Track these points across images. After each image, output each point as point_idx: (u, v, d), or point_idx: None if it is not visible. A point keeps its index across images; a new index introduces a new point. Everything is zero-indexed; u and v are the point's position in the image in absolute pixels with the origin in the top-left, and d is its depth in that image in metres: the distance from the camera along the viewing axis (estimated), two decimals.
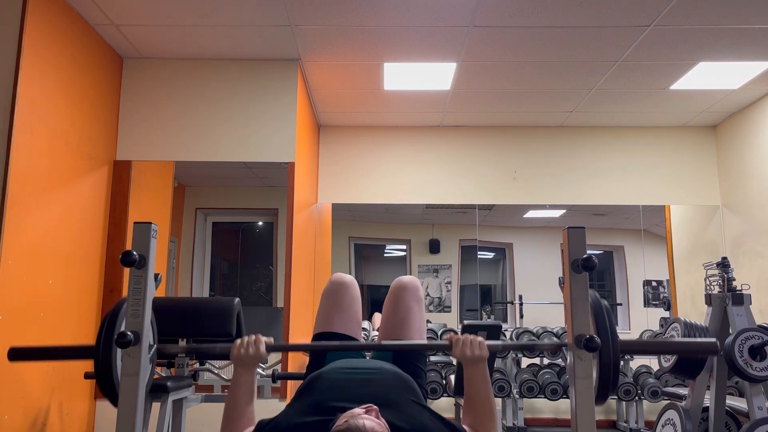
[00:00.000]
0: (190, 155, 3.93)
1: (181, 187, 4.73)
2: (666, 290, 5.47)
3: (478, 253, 5.72)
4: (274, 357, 4.08)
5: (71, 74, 3.31)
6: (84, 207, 3.48)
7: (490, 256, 6.09)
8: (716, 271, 3.10)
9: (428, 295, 5.83)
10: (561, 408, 5.30)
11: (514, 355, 4.88)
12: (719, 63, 4.05)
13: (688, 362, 2.95)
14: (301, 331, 4.13)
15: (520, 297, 5.78)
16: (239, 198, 5.08)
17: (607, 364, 1.67)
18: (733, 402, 3.18)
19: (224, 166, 4.14)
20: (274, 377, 2.86)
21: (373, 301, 5.87)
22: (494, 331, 3.47)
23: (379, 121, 5.33)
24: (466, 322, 3.57)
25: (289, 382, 3.77)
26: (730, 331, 2.95)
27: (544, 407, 5.35)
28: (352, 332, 2.03)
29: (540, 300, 5.73)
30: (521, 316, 5.70)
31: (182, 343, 3.09)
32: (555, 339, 4.82)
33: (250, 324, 3.22)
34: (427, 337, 4.74)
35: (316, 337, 2.02)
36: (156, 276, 1.83)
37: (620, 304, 5.83)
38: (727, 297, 2.99)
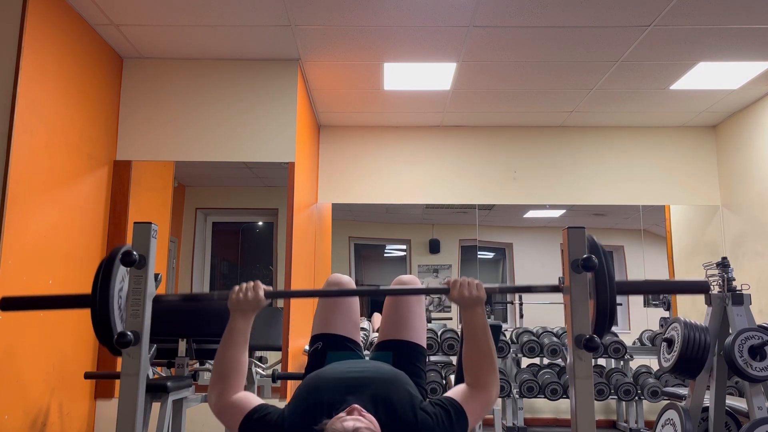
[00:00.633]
0: (190, 155, 3.93)
1: (181, 187, 4.73)
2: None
3: (478, 253, 5.72)
4: (274, 357, 4.08)
5: (71, 74, 3.31)
6: (84, 207, 3.48)
7: (490, 256, 6.09)
8: (716, 271, 3.10)
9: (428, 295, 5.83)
10: (561, 408, 5.30)
11: (514, 355, 4.88)
12: (719, 63, 4.05)
13: (688, 362, 2.95)
14: (301, 331, 4.13)
15: (520, 297, 5.77)
16: (239, 198, 5.08)
17: (603, 303, 1.66)
18: (733, 402, 3.18)
19: (224, 166, 4.14)
20: (274, 377, 2.87)
21: (373, 301, 5.86)
22: (494, 331, 3.47)
23: (379, 121, 5.33)
24: None
25: (289, 382, 3.77)
26: (730, 331, 2.95)
27: (544, 407, 5.35)
28: (350, 333, 2.03)
29: (540, 300, 5.73)
30: (521, 316, 5.70)
31: (182, 343, 3.10)
32: (555, 339, 4.82)
33: None
34: (428, 337, 4.75)
35: (314, 338, 2.02)
36: (156, 276, 1.83)
37: (620, 304, 5.83)
38: (727, 297, 2.99)
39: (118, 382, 1.79)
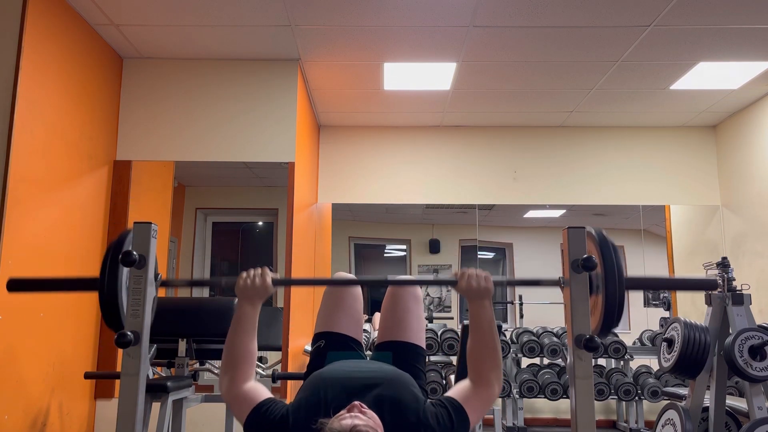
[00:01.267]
0: (190, 155, 3.93)
1: (181, 187, 4.73)
2: (666, 290, 5.47)
3: (478, 253, 5.72)
4: (274, 357, 4.08)
5: (71, 74, 3.31)
6: (84, 207, 3.48)
7: (490, 256, 6.09)
8: (716, 271, 3.10)
9: (428, 295, 5.83)
10: (561, 408, 5.30)
11: (514, 355, 4.88)
12: (719, 63, 4.05)
13: (688, 362, 2.95)
14: (301, 331, 4.13)
15: (520, 297, 5.78)
16: (239, 198, 5.08)
17: (612, 297, 1.66)
18: (733, 402, 3.18)
19: (224, 166, 4.14)
20: (274, 377, 2.87)
21: (374, 301, 5.86)
22: None
23: (379, 121, 5.33)
24: (466, 321, 3.57)
25: (289, 382, 3.77)
26: (730, 331, 2.95)
27: (544, 407, 5.35)
28: (353, 332, 2.03)
29: (540, 300, 5.73)
30: (521, 316, 5.70)
31: (182, 343, 3.10)
32: (555, 339, 4.82)
33: None
34: (428, 338, 4.75)
35: (317, 336, 2.02)
36: (156, 276, 1.83)
37: None
38: (727, 297, 2.99)
39: (118, 382, 1.80)
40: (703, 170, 5.37)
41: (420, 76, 4.31)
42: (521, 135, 5.43)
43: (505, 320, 5.86)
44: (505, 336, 4.84)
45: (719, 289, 3.07)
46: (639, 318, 5.55)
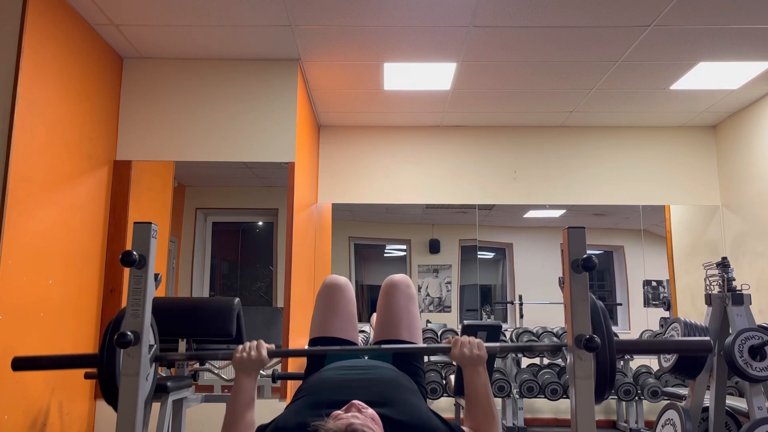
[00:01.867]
0: (190, 155, 3.93)
1: (181, 187, 4.73)
2: (666, 290, 5.47)
3: (478, 253, 5.72)
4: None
5: (71, 74, 3.31)
6: (84, 207, 3.48)
7: (490, 256, 6.09)
8: (716, 271, 3.10)
9: (428, 295, 5.83)
10: (561, 408, 5.30)
11: (514, 356, 4.87)
12: (719, 63, 4.05)
13: (688, 362, 2.95)
14: (301, 331, 4.13)
15: (520, 297, 5.78)
16: (239, 198, 5.08)
17: (603, 363, 1.69)
18: (733, 402, 3.18)
19: (224, 166, 4.14)
20: (274, 377, 2.87)
21: (373, 301, 5.85)
22: (494, 331, 3.47)
23: (379, 121, 5.33)
24: (465, 322, 3.57)
25: (289, 382, 3.77)
26: (730, 331, 2.95)
27: (544, 407, 5.35)
28: (349, 335, 2.02)
29: (540, 300, 5.73)
30: (521, 316, 5.70)
31: (182, 343, 3.09)
32: (555, 339, 4.81)
33: (251, 324, 3.22)
34: (428, 338, 4.75)
35: (313, 341, 2.01)
36: (156, 276, 1.83)
37: (620, 304, 5.84)
38: (727, 297, 2.99)
39: None
40: (703, 170, 5.37)
41: (420, 76, 4.31)
42: (521, 135, 5.43)
43: (505, 320, 5.85)
44: (505, 336, 4.84)
45: (719, 289, 3.07)
46: (639, 318, 5.55)
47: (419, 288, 5.82)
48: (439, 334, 4.72)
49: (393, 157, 5.37)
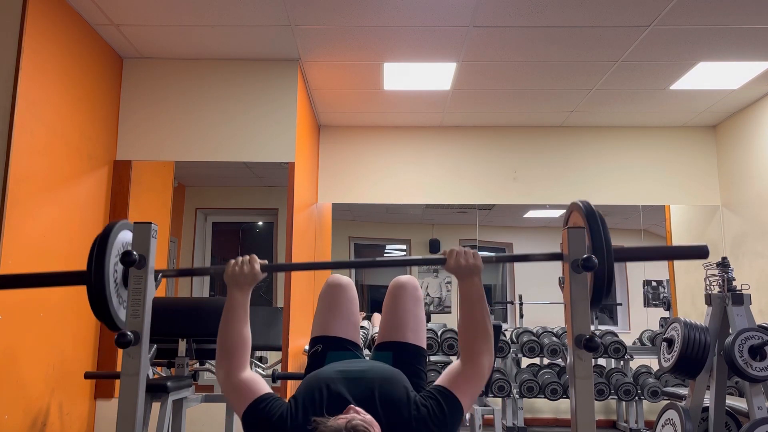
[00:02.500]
0: (190, 155, 3.93)
1: (181, 187, 4.73)
2: (666, 290, 5.47)
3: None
4: (274, 357, 4.08)
5: (71, 74, 3.31)
6: (84, 207, 3.48)
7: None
8: (716, 271, 3.10)
9: (428, 295, 5.83)
10: (561, 408, 5.30)
11: (514, 356, 4.87)
12: (719, 63, 4.05)
13: (688, 362, 2.95)
14: (301, 331, 4.13)
15: (520, 297, 5.78)
16: (239, 198, 5.08)
17: (601, 269, 1.68)
18: (733, 402, 3.18)
19: (224, 166, 4.14)
20: (274, 377, 2.87)
21: (373, 301, 5.86)
22: (494, 332, 3.47)
23: (379, 121, 5.33)
24: None
25: (289, 382, 3.77)
26: (730, 331, 2.95)
27: (544, 407, 5.35)
28: (350, 335, 2.03)
29: (540, 300, 5.73)
30: (521, 316, 5.70)
31: (182, 343, 3.10)
32: (555, 339, 4.82)
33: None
34: (428, 338, 4.75)
35: (314, 340, 2.02)
36: (156, 276, 1.83)
37: (620, 304, 5.84)
38: (727, 297, 2.99)
39: (118, 382, 1.80)
40: (703, 170, 5.37)
41: (420, 76, 4.31)
42: (521, 135, 5.43)
43: (505, 320, 5.86)
44: (505, 336, 4.84)
45: (719, 289, 3.07)
46: (639, 318, 5.55)
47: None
48: (439, 334, 4.72)
49: (393, 157, 5.37)
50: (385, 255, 6.32)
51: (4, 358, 2.73)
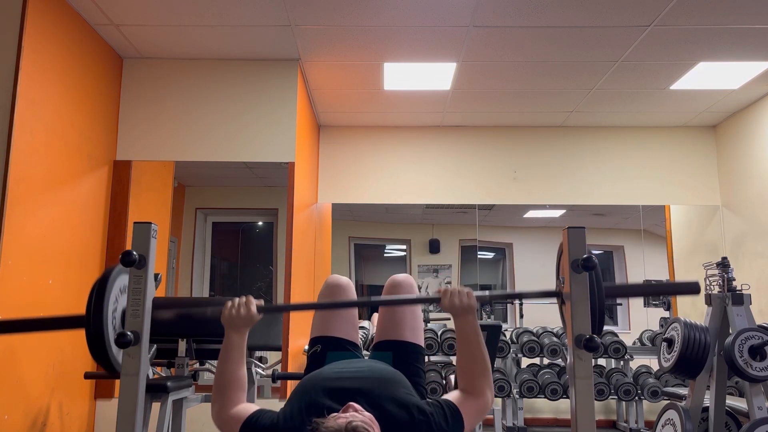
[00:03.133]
0: (190, 155, 3.93)
1: (181, 187, 4.73)
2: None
3: (478, 253, 5.72)
4: (274, 357, 4.08)
5: (71, 74, 3.31)
6: (84, 207, 3.48)
7: (490, 256, 6.09)
8: (716, 271, 3.10)
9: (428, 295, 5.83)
10: (561, 408, 5.30)
11: (514, 355, 4.87)
12: (719, 63, 4.05)
13: (688, 362, 2.95)
14: (301, 332, 4.13)
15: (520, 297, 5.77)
16: (239, 198, 5.08)
17: (592, 307, 1.70)
18: (733, 402, 3.18)
19: (224, 166, 4.14)
20: (274, 377, 2.87)
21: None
22: (494, 332, 3.46)
23: (379, 121, 5.33)
24: None
25: (289, 382, 3.77)
26: (730, 331, 2.95)
27: (544, 407, 5.35)
28: (350, 335, 2.03)
29: (540, 300, 5.72)
30: (521, 316, 5.70)
31: (182, 343, 3.09)
32: (555, 339, 4.82)
33: None
34: (428, 338, 4.75)
35: (314, 341, 2.02)
36: (156, 276, 1.83)
37: (620, 304, 5.83)
38: (727, 297, 2.99)
39: (118, 382, 1.80)
40: (703, 170, 5.37)
41: (420, 76, 4.31)
42: (521, 135, 5.43)
43: (505, 320, 5.85)
44: (505, 336, 4.84)
45: (719, 289, 3.07)
46: (639, 318, 5.55)
47: (419, 288, 5.81)
48: (439, 334, 4.72)
49: (393, 157, 5.37)
50: (385, 255, 6.32)
51: (4, 358, 2.73)
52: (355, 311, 2.11)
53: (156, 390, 2.73)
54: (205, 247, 4.91)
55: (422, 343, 2.03)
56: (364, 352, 2.22)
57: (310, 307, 2.01)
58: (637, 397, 4.70)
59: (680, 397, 3.49)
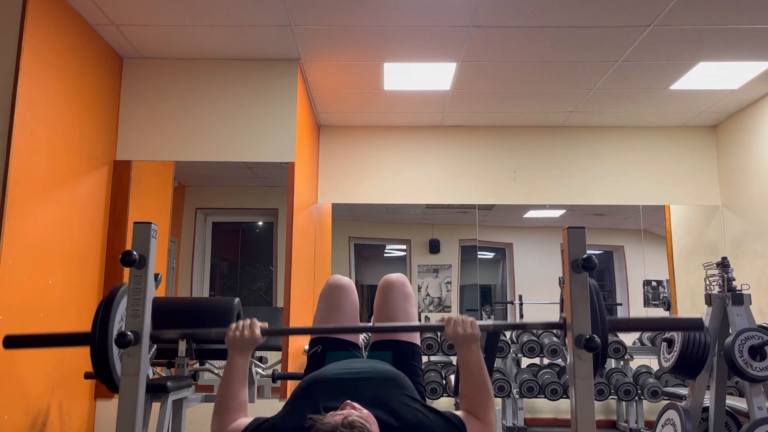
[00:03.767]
0: (190, 155, 3.93)
1: (181, 187, 4.73)
2: (666, 290, 5.47)
3: (478, 253, 5.72)
4: (274, 357, 4.08)
5: (71, 74, 3.31)
6: (84, 207, 3.48)
7: (490, 256, 6.09)
8: (716, 271, 3.10)
9: (428, 295, 5.83)
10: (561, 408, 5.30)
11: (514, 355, 4.88)
12: (719, 63, 4.05)
13: (688, 362, 2.95)
14: None
15: (520, 297, 5.77)
16: (239, 198, 5.08)
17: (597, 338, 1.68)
18: (733, 402, 3.18)
19: (224, 166, 4.14)
20: (274, 377, 2.87)
21: (373, 301, 5.85)
22: (494, 332, 3.47)
23: (379, 121, 5.33)
24: None
25: (289, 382, 3.77)
26: (730, 331, 2.95)
27: (544, 407, 5.35)
28: (350, 336, 2.03)
29: (540, 300, 5.73)
30: (521, 316, 5.70)
31: (182, 343, 3.09)
32: (555, 339, 4.82)
33: None
34: (428, 338, 4.75)
35: (314, 341, 2.02)
36: (156, 276, 1.83)
37: (620, 304, 5.84)
38: (727, 297, 2.99)
39: None
40: (703, 170, 5.37)
41: (420, 76, 4.31)
42: (521, 135, 5.43)
43: (505, 320, 5.85)
44: (505, 336, 4.84)
45: (719, 289, 3.07)
46: None
47: (419, 288, 5.82)
48: (439, 334, 4.72)
49: (393, 157, 5.37)
50: (385, 255, 6.32)
51: (4, 358, 2.73)
52: (357, 313, 2.11)
53: (156, 390, 2.73)
54: (205, 247, 4.92)
55: (418, 342, 2.04)
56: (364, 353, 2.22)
57: (312, 331, 2.02)
58: (637, 397, 4.70)
59: (680, 397, 3.49)
